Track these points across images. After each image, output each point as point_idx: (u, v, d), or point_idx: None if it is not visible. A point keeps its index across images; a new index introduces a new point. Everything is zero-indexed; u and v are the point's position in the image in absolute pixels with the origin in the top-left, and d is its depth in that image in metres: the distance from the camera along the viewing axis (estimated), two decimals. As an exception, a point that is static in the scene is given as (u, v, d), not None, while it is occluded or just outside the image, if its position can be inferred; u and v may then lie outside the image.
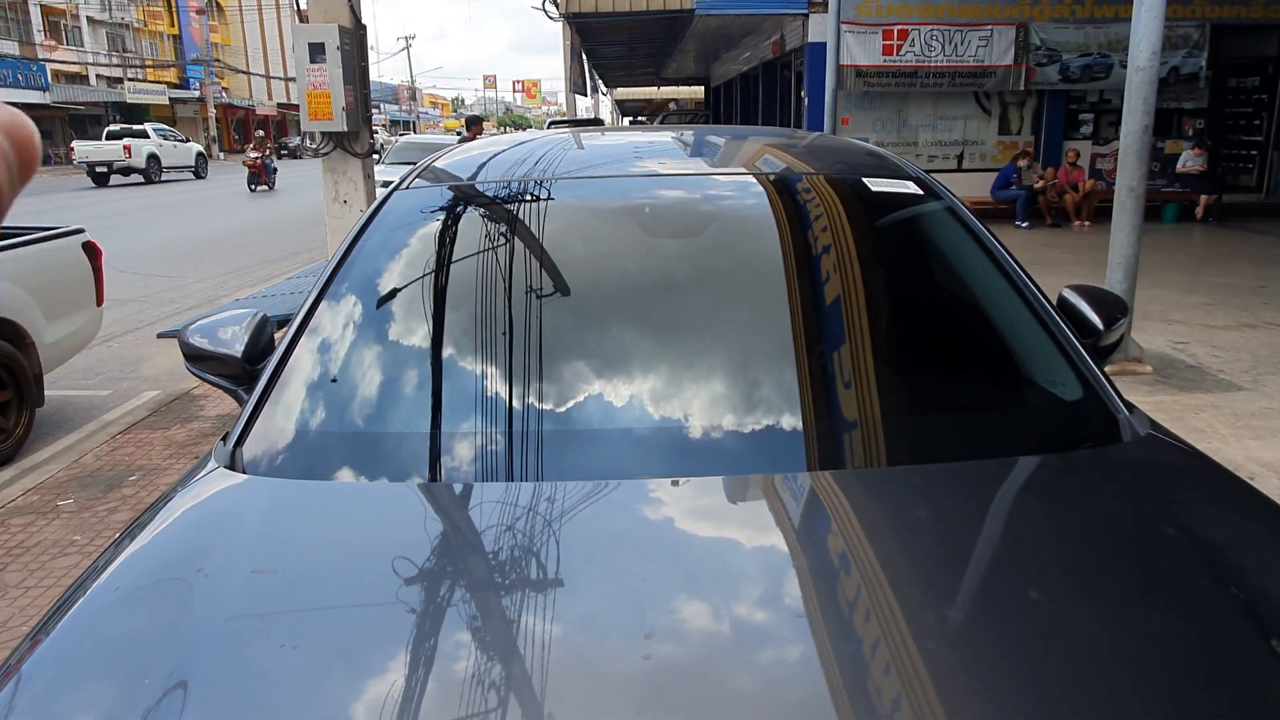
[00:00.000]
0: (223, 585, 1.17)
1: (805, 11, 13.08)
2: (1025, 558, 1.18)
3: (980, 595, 1.09)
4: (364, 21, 6.33)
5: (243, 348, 1.84)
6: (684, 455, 1.44)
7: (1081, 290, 2.07)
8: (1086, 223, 12.53)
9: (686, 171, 2.23)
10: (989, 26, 12.87)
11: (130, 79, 50.61)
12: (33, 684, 1.07)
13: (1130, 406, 1.56)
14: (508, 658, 1.03)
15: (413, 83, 74.89)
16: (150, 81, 52.29)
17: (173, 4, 55.28)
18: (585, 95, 20.05)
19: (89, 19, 49.11)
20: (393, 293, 1.83)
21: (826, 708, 0.94)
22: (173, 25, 56.22)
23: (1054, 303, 1.83)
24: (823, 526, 1.27)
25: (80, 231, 5.52)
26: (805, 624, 1.05)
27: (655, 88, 32.54)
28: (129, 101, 47.69)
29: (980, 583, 1.11)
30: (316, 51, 5.69)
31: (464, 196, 2.06)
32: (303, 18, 6.04)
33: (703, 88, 29.10)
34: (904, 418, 1.54)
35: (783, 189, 2.03)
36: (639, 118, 37.99)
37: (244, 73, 56.51)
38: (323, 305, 1.77)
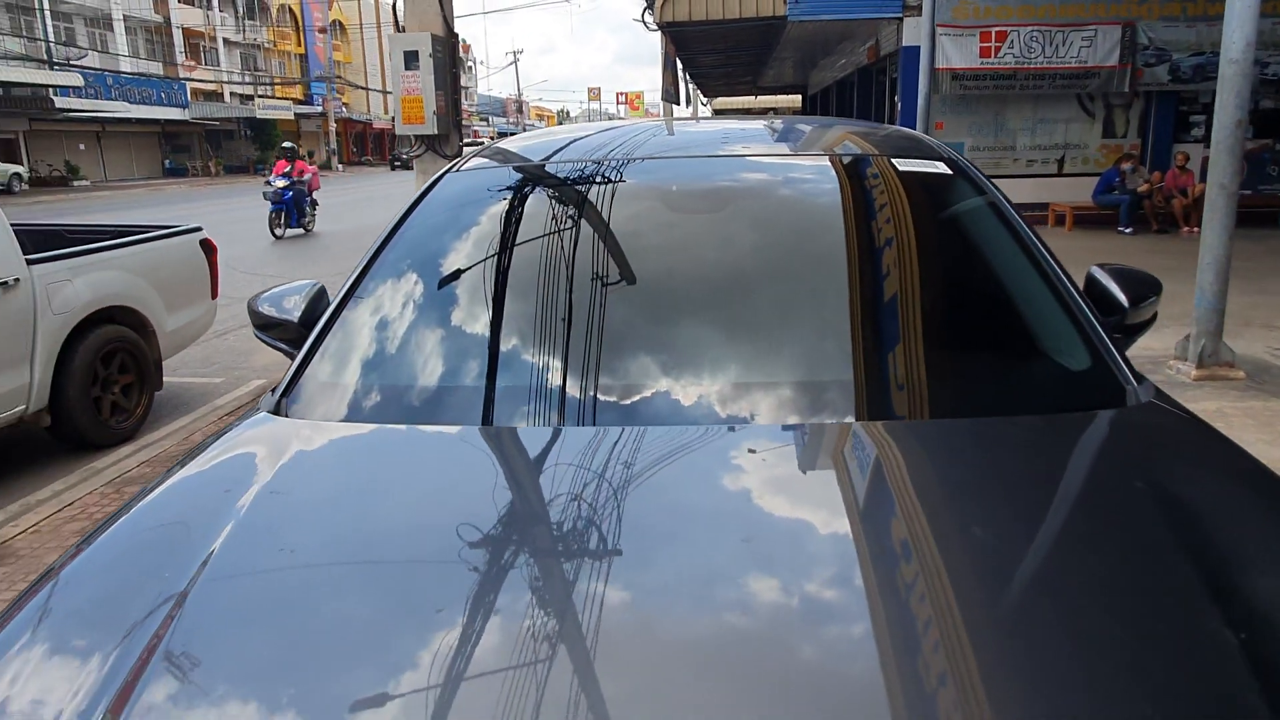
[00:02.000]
0: (249, 507, 1.32)
1: (900, 15, 12.92)
2: (1008, 504, 1.28)
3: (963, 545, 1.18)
4: (457, 32, 6.70)
5: (300, 314, 2.08)
6: (738, 403, 1.54)
7: (1111, 269, 2.11)
8: (1195, 229, 11.88)
9: (722, 153, 2.34)
10: (1093, 26, 12.42)
11: (260, 96, 53.80)
12: (68, 588, 1.21)
13: (1140, 378, 1.63)
14: (553, 594, 1.10)
15: (519, 96, 76.96)
16: (278, 98, 55.45)
17: (299, 24, 58.52)
18: (678, 104, 20.24)
19: (225, 40, 52.54)
20: (434, 260, 2.02)
21: (886, 666, 0.96)
22: (299, 45, 59.54)
23: (1073, 281, 1.88)
24: (870, 472, 1.37)
25: (198, 230, 6.04)
26: (853, 554, 1.14)
27: (753, 96, 32.50)
28: (258, 117, 50.67)
29: (973, 536, 1.20)
30: (411, 59, 6.08)
31: (509, 175, 2.26)
32: (400, 29, 6.45)
33: (800, 96, 28.93)
34: (938, 378, 1.64)
35: (820, 168, 2.17)
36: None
37: (362, 88, 59.26)
38: (370, 272, 1.97)
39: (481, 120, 75.28)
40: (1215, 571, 1.08)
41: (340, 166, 54.60)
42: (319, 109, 56.07)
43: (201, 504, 1.38)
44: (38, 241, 5.12)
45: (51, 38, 38.90)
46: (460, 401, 1.65)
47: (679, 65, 19.92)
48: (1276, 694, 0.89)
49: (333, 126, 55.65)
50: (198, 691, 0.99)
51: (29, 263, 4.54)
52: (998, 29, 12.54)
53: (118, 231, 5.76)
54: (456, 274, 1.97)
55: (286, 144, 15.12)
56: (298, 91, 57.74)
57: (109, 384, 5.10)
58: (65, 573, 1.23)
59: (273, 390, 1.77)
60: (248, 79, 53.86)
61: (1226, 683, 0.92)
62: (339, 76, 58.33)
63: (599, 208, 2.01)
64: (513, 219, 2.07)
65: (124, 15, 44.91)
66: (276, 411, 1.67)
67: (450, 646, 1.01)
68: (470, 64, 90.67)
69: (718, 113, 38.90)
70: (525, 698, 0.92)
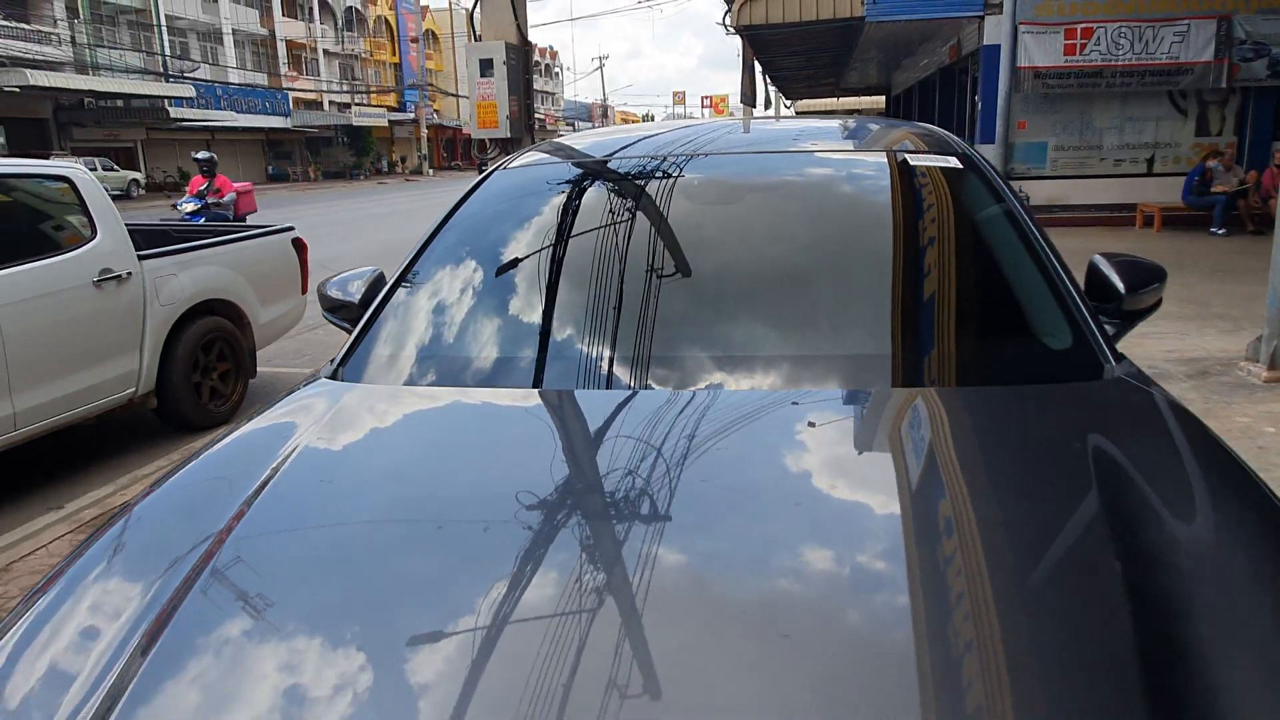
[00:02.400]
0: (299, 453, 1.52)
1: (981, 14, 12.73)
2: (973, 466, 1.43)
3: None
4: (532, 40, 7.01)
5: (360, 296, 2.34)
6: (767, 368, 1.72)
7: (1114, 259, 2.22)
8: (1297, 230, 11.38)
9: (745, 150, 2.52)
10: (1185, 21, 11.99)
11: (356, 104, 55.92)
12: (139, 522, 1.40)
13: (1119, 356, 1.76)
14: (604, 548, 1.19)
15: (605, 101, 77.88)
16: (373, 105, 57.53)
17: (394, 34, 60.57)
18: (755, 107, 20.29)
19: (325, 51, 54.79)
20: (480, 243, 2.25)
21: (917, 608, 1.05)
22: (394, 54, 61.60)
23: (1066, 270, 2.00)
24: (900, 432, 1.52)
25: (290, 230, 6.49)
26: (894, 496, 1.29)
27: (835, 99, 32.18)
28: (355, 124, 52.67)
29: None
30: (486, 67, 6.41)
31: (553, 169, 2.49)
32: (477, 39, 6.79)
33: (883, 97, 28.55)
34: (946, 353, 1.80)
35: (833, 163, 2.35)
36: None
37: (453, 95, 60.93)
38: (422, 256, 2.22)
39: (568, 125, 76.44)
40: (1130, 528, 1.19)
41: (430, 171, 56.30)
42: (411, 115, 57.94)
43: (259, 451, 1.57)
44: (148, 239, 5.62)
45: (168, 52, 41.32)
46: (503, 366, 1.86)
47: (758, 68, 19.97)
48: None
49: (424, 132, 57.43)
50: (232, 613, 1.12)
51: (140, 258, 5.00)
52: (1083, 25, 12.23)
53: (218, 231, 6.24)
54: (501, 254, 2.21)
55: (202, 154, 10.96)
56: (391, 99, 59.80)
57: (208, 371, 5.54)
58: (137, 510, 1.44)
59: (331, 361, 2.00)
60: (345, 88, 56.06)
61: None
62: (431, 84, 60.19)
63: (636, 195, 2.22)
64: (555, 206, 2.29)
65: (233, 29, 47.36)
66: (334, 378, 1.90)
67: (500, 588, 1.09)
68: (557, 70, 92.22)
69: (800, 114, 38.72)
70: (570, 645, 0.98)
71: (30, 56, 31.81)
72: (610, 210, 2.20)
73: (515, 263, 2.16)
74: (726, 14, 16.18)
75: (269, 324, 6.14)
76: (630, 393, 1.68)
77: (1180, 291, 8.29)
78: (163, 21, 41.63)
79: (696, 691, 0.93)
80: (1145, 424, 1.56)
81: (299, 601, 1.17)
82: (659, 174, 2.28)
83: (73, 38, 36.23)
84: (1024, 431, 1.53)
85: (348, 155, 54.00)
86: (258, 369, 6.04)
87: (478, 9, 6.56)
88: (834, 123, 2.92)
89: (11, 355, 4.17)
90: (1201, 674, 0.94)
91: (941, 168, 2.24)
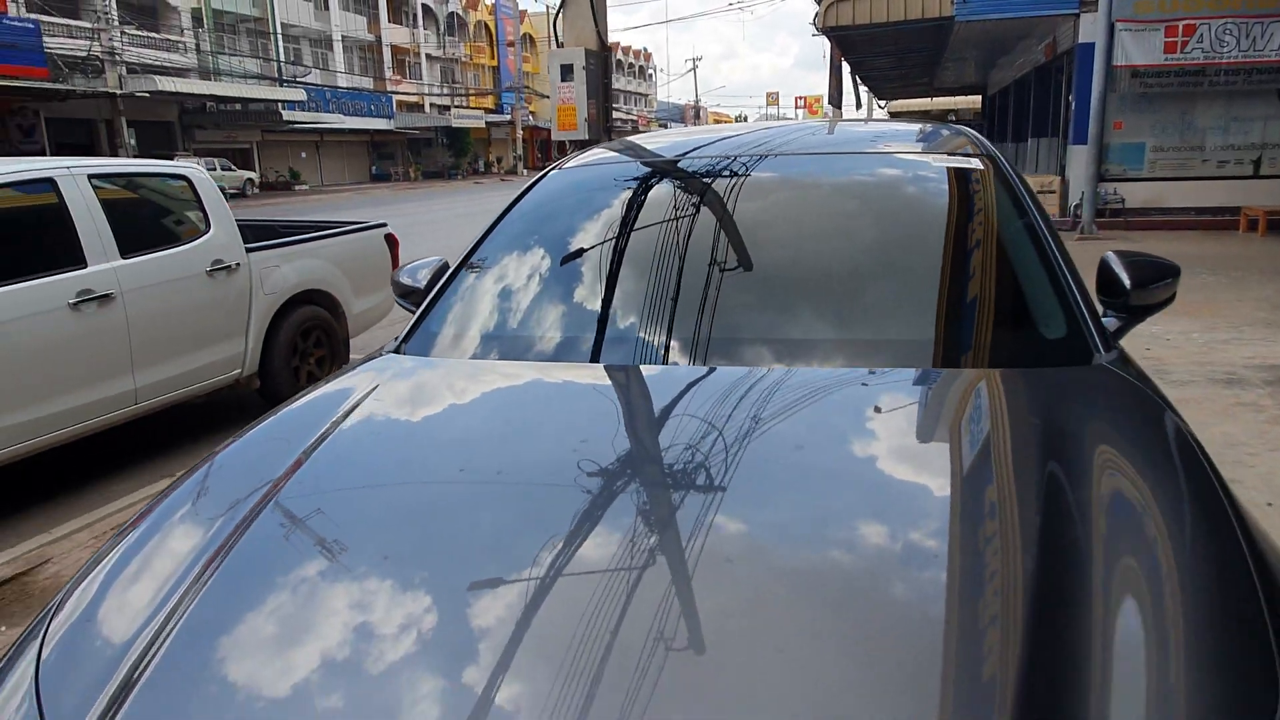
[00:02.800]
0: (356, 413, 1.76)
1: (1076, 11, 12.41)
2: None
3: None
4: (610, 45, 7.29)
5: (426, 282, 2.63)
6: (780, 347, 1.92)
7: (1125, 256, 2.33)
8: None
9: (785, 151, 2.68)
10: (1297, 16, 11.45)
11: (455, 106, 57.60)
12: (220, 468, 1.64)
13: (1110, 346, 1.90)
14: (660, 508, 1.32)
15: (697, 102, 78.01)
16: (471, 108, 59.14)
17: (493, 39, 62.13)
18: (839, 108, 20.13)
19: (427, 55, 56.62)
20: (536, 233, 2.52)
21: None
22: (493, 58, 63.17)
23: (1069, 265, 2.13)
24: (892, 409, 1.69)
25: (383, 226, 6.93)
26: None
27: (929, 99, 31.56)
28: (453, 126, 54.29)
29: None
30: (566, 71, 6.72)
31: (605, 169, 2.74)
32: (559, 44, 7.11)
33: (980, 96, 27.85)
34: (956, 338, 1.99)
35: (871, 161, 2.54)
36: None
37: (547, 97, 61.97)
38: (481, 245, 2.49)
39: (660, 126, 76.86)
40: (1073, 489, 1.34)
41: (525, 171, 57.56)
42: (508, 117, 59.34)
43: (322, 411, 1.81)
44: (255, 233, 6.13)
45: (282, 58, 43.51)
46: (554, 342, 2.09)
47: (846, 69, 19.83)
48: None
49: (519, 134, 58.74)
50: (279, 549, 1.32)
51: (248, 250, 5.49)
52: (1185, 22, 11.79)
53: (318, 226, 6.74)
54: (554, 242, 2.47)
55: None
56: (489, 101, 61.36)
57: (306, 356, 6.01)
58: (218, 458, 1.68)
59: (395, 339, 2.28)
60: (445, 91, 57.83)
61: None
62: (527, 87, 61.52)
63: (679, 190, 2.46)
64: (604, 200, 2.55)
65: (342, 36, 49.48)
66: (397, 353, 2.17)
67: (555, 543, 1.21)
68: (650, 72, 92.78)
69: (893, 115, 38.05)
70: (620, 599, 1.06)
71: (159, 64, 33.99)
72: (657, 202, 2.44)
73: (568, 248, 2.41)
74: (817, 15, 16.17)
75: (361, 314, 6.58)
76: (674, 367, 1.88)
77: (1275, 297, 8.00)
78: (279, 29, 43.87)
79: (737, 649, 0.99)
80: (1113, 407, 1.69)
81: (345, 539, 1.33)
82: (702, 173, 2.52)
83: (197, 45, 38.55)
84: (998, 408, 1.68)
85: (447, 156, 55.70)
86: (350, 356, 6.49)
87: (560, 16, 6.88)
88: (874, 126, 3.08)
89: (135, 336, 4.67)
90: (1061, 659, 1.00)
91: (964, 168, 2.41)
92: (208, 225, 5.29)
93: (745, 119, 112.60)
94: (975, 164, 2.41)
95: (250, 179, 37.84)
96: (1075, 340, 1.91)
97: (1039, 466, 1.40)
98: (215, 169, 33.07)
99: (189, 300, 5.06)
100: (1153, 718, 0.94)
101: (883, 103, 37.56)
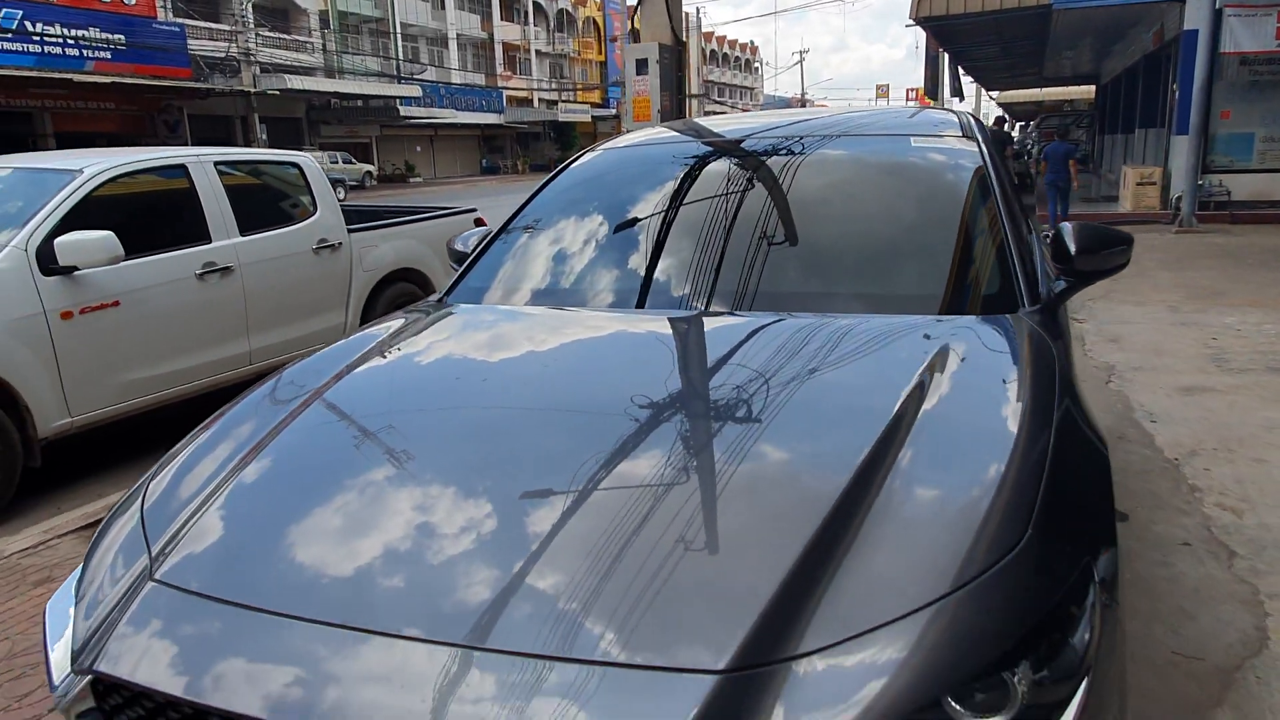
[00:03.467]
0: (394, 342, 2.26)
1: (1181, -2, 12.02)
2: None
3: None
4: (684, 40, 7.66)
5: (474, 249, 3.10)
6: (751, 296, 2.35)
7: (1078, 227, 2.59)
8: None
9: (787, 133, 3.07)
10: None
11: (563, 101, 58.87)
12: (285, 382, 2.12)
13: (1036, 301, 2.23)
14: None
15: (803, 95, 77.15)
16: (578, 102, 60.29)
17: (601, 35, 63.10)
18: (939, 100, 19.81)
19: (537, 52, 58.06)
20: (568, 202, 2.99)
21: None
22: (600, 53, 64.16)
23: (1016, 233, 2.43)
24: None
25: (473, 210, 7.52)
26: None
27: (1039, 89, 30.45)
28: (560, 120, 55.52)
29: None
30: (641, 66, 7.13)
31: (623, 151, 3.19)
32: (636, 40, 7.53)
33: (1093, 87, 26.72)
34: (908, 287, 2.35)
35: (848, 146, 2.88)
36: (1023, 123, 35.79)
37: (654, 91, 62.47)
38: (521, 212, 2.98)
39: (766, 119, 76.17)
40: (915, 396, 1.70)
41: (629, 165, 58.21)
42: (613, 111, 60.19)
43: (367, 341, 2.33)
44: (359, 216, 6.80)
45: (401, 57, 45.54)
46: (579, 290, 2.56)
47: (944, 60, 19.52)
48: None
49: (624, 128, 59.42)
50: (313, 444, 1.77)
51: (349, 231, 6.14)
52: (1300, 7, 11.26)
53: (413, 210, 7.38)
54: (581, 210, 2.94)
55: None
56: (596, 96, 62.38)
57: (399, 327, 6.64)
58: (285, 374, 2.20)
59: (438, 290, 2.77)
60: (553, 86, 59.18)
61: None
62: (634, 81, 62.11)
63: (696, 166, 2.91)
64: (629, 176, 3.02)
65: (457, 34, 51.33)
66: (439, 304, 2.67)
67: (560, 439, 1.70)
68: (757, 65, 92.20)
69: (1002, 106, 36.90)
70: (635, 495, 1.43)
71: (289, 64, 36.21)
72: (678, 176, 2.88)
73: (594, 216, 2.88)
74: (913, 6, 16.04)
75: (450, 292, 7.17)
76: (679, 311, 2.34)
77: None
78: (398, 29, 45.92)
79: (701, 542, 1.35)
80: (1001, 341, 2.01)
81: (374, 426, 1.80)
82: (714, 152, 2.98)
83: (324, 45, 40.81)
84: (928, 343, 1.99)
85: (554, 149, 57.02)
86: (440, 330, 7.09)
87: (638, 13, 7.29)
88: (870, 113, 3.39)
89: (250, 305, 5.36)
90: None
91: (938, 146, 2.74)
92: (315, 208, 5.96)
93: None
94: (954, 141, 2.73)
95: (369, 171, 39.83)
96: (1005, 295, 2.24)
97: (920, 374, 1.78)
98: (337, 162, 35.02)
99: (297, 274, 5.73)
100: (937, 547, 1.29)
101: (995, 93, 36.48)
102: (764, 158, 2.85)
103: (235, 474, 1.67)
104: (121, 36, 26.33)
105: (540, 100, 57.94)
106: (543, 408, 1.84)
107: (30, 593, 3.23)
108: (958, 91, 22.61)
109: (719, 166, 2.89)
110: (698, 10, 69.14)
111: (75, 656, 1.36)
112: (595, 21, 63.08)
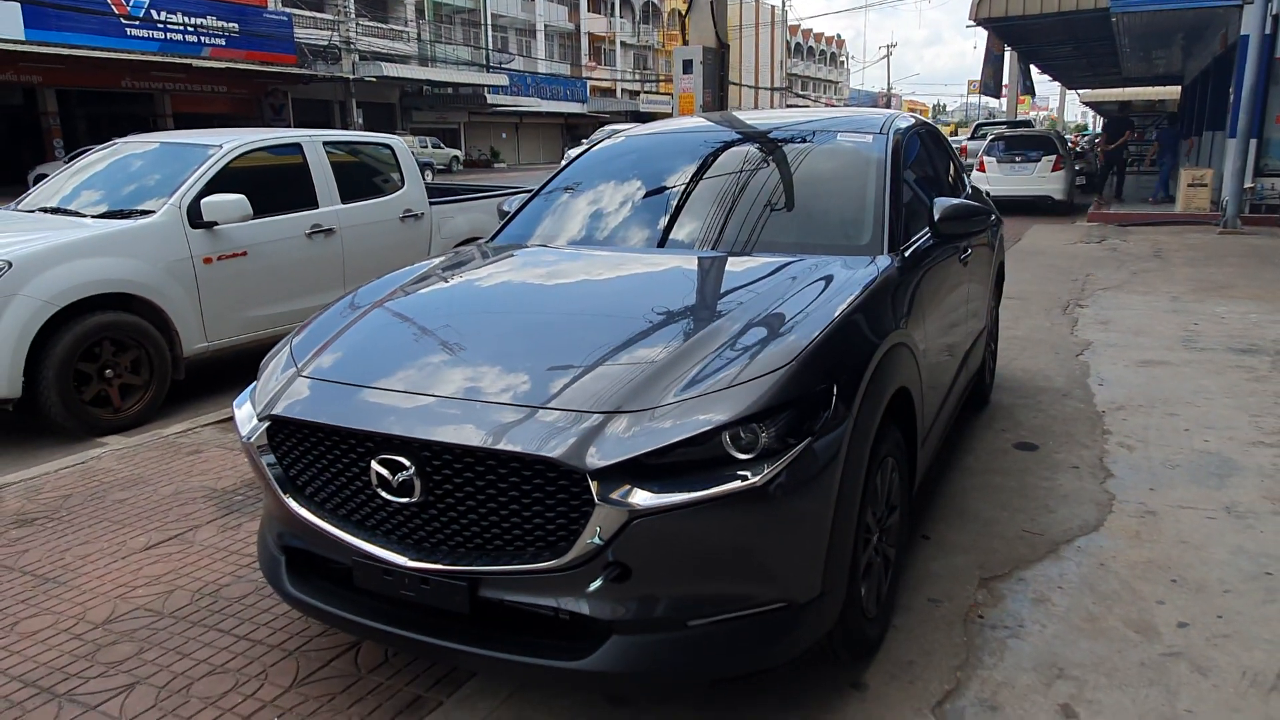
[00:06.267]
0: (446, 263, 3.32)
1: (1239, 3, 12.22)
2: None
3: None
4: (727, 43, 8.50)
5: (515, 212, 4.09)
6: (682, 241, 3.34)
7: (951, 202, 3.42)
8: None
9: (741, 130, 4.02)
10: None
11: (645, 92, 59.83)
12: (358, 293, 3.01)
13: (894, 250, 3.09)
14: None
15: (889, 90, 76.43)
16: (660, 93, 61.16)
17: (686, 26, 63.69)
18: (999, 98, 20.00)
19: (622, 43, 59.10)
20: (582, 173, 3.98)
21: None
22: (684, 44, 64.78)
23: (896, 204, 3.29)
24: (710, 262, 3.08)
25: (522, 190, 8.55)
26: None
27: (1122, 89, 29.90)
28: (641, 110, 56.52)
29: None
30: (687, 66, 8.00)
31: (624, 140, 4.14)
32: (685, 42, 8.41)
33: (1179, 86, 26.26)
34: (796, 236, 3.27)
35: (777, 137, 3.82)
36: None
37: (735, 84, 62.90)
38: (551, 181, 3.98)
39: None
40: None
41: (709, 156, 58.83)
42: (696, 103, 60.85)
43: (426, 266, 3.34)
44: (440, 192, 7.89)
45: (490, 46, 47.20)
46: (591, 233, 3.53)
47: (1012, 57, 19.69)
48: None
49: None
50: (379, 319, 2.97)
51: (431, 204, 7.22)
52: (1358, 12, 11.40)
53: (487, 188, 8.44)
54: (595, 179, 3.93)
55: None
56: (679, 87, 63.08)
57: (469, 289, 7.71)
58: (361, 290, 3.19)
59: (479, 239, 3.78)
60: (636, 77, 60.19)
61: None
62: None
63: (672, 152, 3.92)
64: (631, 156, 4.01)
65: (545, 25, 52.79)
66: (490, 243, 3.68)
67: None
68: (843, 59, 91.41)
69: (1089, 105, 36.24)
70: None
71: (386, 52, 38.12)
72: (656, 157, 3.91)
73: (602, 181, 3.91)
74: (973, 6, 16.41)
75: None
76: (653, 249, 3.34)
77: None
78: (489, 20, 47.57)
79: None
80: (857, 273, 2.86)
81: (455, 299, 2.92)
82: (684, 145, 3.98)
83: (418, 34, 42.69)
84: (807, 266, 2.90)
85: (635, 139, 57.98)
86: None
87: (688, 19, 8.17)
88: (813, 113, 4.27)
89: (347, 262, 6.48)
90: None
91: (856, 142, 3.62)
92: (403, 183, 7.05)
93: (943, 107, 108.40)
94: (866, 139, 3.60)
95: (456, 156, 41.59)
96: (873, 245, 3.12)
97: (801, 276, 2.74)
98: (427, 146, 36.79)
99: (386, 239, 6.83)
100: (746, 354, 2.21)
101: (1082, 91, 35.92)
102: (731, 147, 3.81)
103: (348, 327, 2.69)
104: (235, 24, 28.42)
105: (624, 91, 59.02)
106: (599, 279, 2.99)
107: (185, 458, 4.37)
108: (1028, 90, 22.66)
109: (698, 149, 3.86)
110: (783, 3, 68.84)
111: (257, 413, 2.39)
112: (680, 13, 63.78)
